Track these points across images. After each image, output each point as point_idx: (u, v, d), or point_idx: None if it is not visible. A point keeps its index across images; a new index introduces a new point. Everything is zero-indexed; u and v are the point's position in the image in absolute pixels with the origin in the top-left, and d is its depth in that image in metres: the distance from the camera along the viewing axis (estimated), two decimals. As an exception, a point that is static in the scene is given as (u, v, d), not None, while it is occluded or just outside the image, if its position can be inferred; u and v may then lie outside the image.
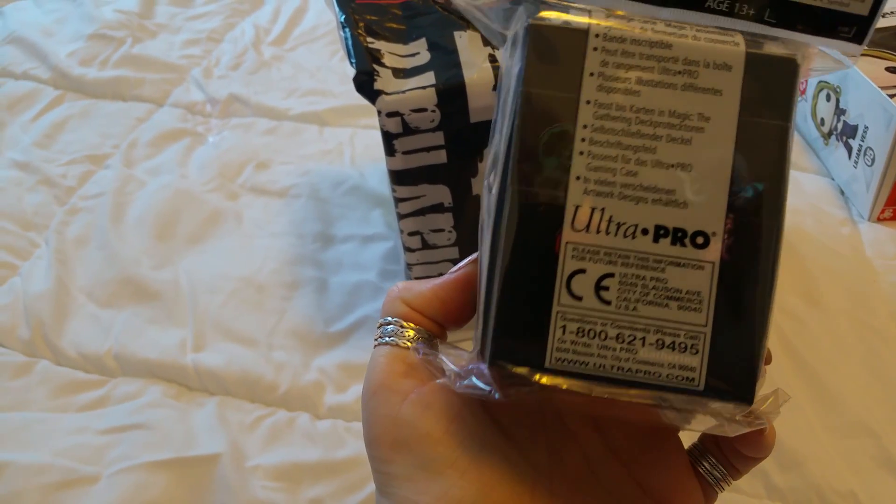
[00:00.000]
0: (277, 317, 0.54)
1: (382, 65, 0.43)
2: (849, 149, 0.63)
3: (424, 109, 0.42)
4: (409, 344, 0.27)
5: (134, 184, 0.68)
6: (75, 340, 0.53)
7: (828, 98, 0.65)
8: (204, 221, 0.63)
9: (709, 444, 0.29)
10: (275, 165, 0.68)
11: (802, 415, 0.47)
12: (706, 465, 0.29)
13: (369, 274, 0.57)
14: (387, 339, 0.27)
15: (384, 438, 0.25)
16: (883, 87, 0.58)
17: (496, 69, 0.42)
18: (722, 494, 0.41)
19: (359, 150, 0.71)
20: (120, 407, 0.49)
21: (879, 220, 0.61)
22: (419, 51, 0.44)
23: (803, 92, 0.70)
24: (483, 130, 0.42)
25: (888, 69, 0.61)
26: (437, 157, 0.44)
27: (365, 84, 0.42)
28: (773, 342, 0.50)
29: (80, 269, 0.59)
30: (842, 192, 0.65)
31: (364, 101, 0.42)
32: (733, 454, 0.28)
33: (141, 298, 0.56)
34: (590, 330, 0.24)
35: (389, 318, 0.28)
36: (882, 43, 0.64)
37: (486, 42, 0.44)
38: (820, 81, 0.66)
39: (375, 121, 0.43)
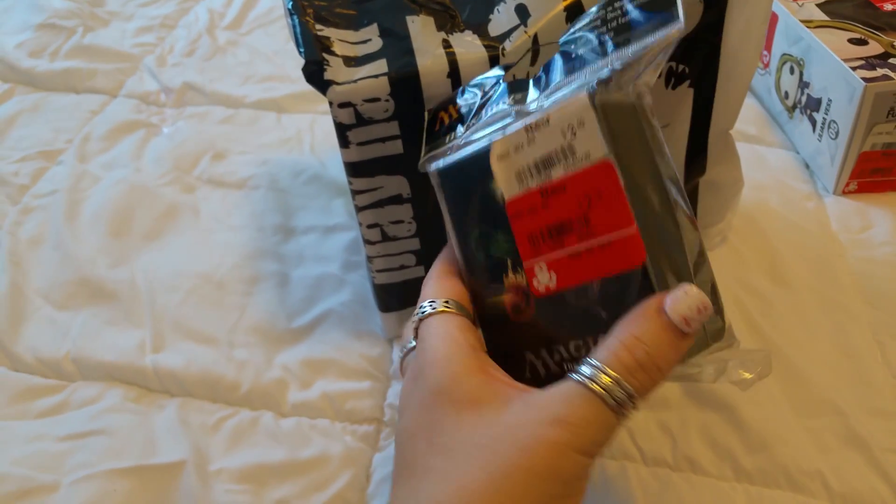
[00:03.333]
0: (238, 313, 0.53)
1: (332, 53, 0.42)
2: (813, 122, 0.63)
3: (378, 99, 0.40)
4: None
5: (88, 179, 0.65)
6: (32, 345, 0.52)
7: (791, 71, 0.65)
8: (160, 216, 0.61)
9: None
10: (232, 156, 0.67)
11: (769, 395, 0.46)
12: None
13: (332, 266, 0.56)
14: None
15: None
16: (846, 60, 0.58)
17: (451, 55, 0.41)
18: (691, 478, 0.43)
19: (319, 137, 0.69)
20: (79, 412, 0.47)
21: (844, 193, 0.61)
22: (370, 37, 0.43)
23: (766, 65, 0.70)
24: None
25: (851, 41, 0.60)
26: (393, 148, 0.43)
27: (314, 74, 0.40)
28: (739, 321, 0.50)
29: (35, 270, 0.57)
30: (807, 166, 0.65)
31: (323, 86, 0.41)
32: None
33: (98, 299, 0.55)
34: None
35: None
36: (845, 15, 0.64)
37: (439, 27, 0.43)
38: (784, 54, 0.66)
39: (332, 109, 0.41)
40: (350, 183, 0.44)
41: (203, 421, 0.46)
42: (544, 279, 0.31)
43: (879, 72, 0.56)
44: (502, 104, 0.34)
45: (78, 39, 0.83)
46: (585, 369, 0.27)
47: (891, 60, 0.57)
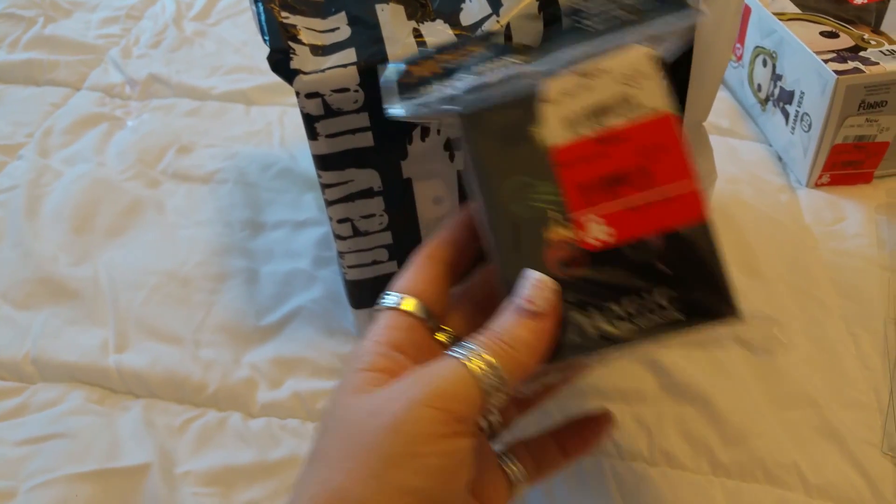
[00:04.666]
0: (204, 311, 0.51)
1: (299, 42, 0.40)
2: (786, 115, 0.63)
3: (347, 89, 0.39)
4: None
5: (49, 175, 0.64)
6: (-10, 346, 0.50)
7: (764, 63, 0.65)
8: (124, 212, 0.59)
9: (517, 451, 0.35)
10: (198, 149, 0.65)
11: (745, 388, 0.46)
12: (514, 468, 0.34)
13: (302, 262, 0.55)
14: None
15: None
16: (818, 52, 0.58)
17: (421, 45, 0.39)
18: (668, 472, 0.43)
19: (288, 129, 0.68)
20: (39, 415, 0.46)
21: (817, 185, 0.61)
22: (339, 25, 0.42)
23: (739, 58, 0.69)
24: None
25: (823, 34, 0.60)
26: (363, 140, 0.41)
27: (280, 63, 0.39)
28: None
29: (-7, 268, 0.55)
30: (779, 159, 0.65)
31: (293, 77, 0.39)
32: (565, 444, 0.35)
33: (59, 298, 0.53)
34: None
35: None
36: (817, 7, 0.64)
37: (409, 15, 0.42)
38: (756, 47, 0.66)
39: (304, 100, 0.40)
40: (319, 176, 0.43)
41: (169, 422, 0.45)
42: (599, 232, 0.30)
43: (850, 64, 0.56)
44: (505, 62, 0.33)
45: (38, 30, 0.81)
46: (461, 350, 0.28)
47: (861, 53, 0.58)
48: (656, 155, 0.29)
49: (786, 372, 0.47)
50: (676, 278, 0.29)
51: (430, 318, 0.32)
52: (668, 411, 0.45)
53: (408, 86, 0.34)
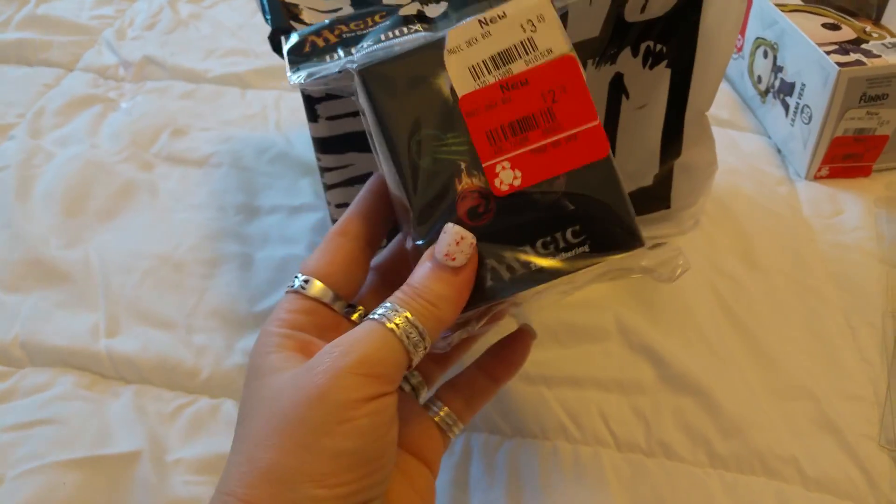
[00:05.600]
0: (197, 296, 0.50)
1: (301, 21, 0.40)
2: (786, 107, 0.62)
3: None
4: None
5: (41, 156, 0.63)
6: (-23, 329, 0.49)
7: (765, 55, 0.64)
8: (116, 195, 0.58)
9: (444, 395, 0.35)
10: (193, 132, 0.64)
11: (743, 379, 0.46)
12: (441, 414, 0.35)
13: (298, 247, 0.54)
14: None
15: None
16: (820, 44, 0.57)
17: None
18: (665, 464, 0.42)
19: (285, 114, 0.67)
20: (27, 401, 0.45)
21: (816, 178, 0.61)
22: (341, 6, 0.41)
23: (740, 49, 0.69)
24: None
25: (825, 26, 0.60)
26: (364, 124, 0.41)
27: (281, 43, 0.38)
28: (713, 306, 0.50)
29: (-19, 250, 0.54)
30: (779, 151, 0.64)
31: (289, 62, 0.39)
32: (491, 372, 0.36)
33: (49, 281, 0.52)
34: None
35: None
36: (819, -2, 0.63)
37: (411, -4, 0.41)
38: (757, 38, 0.65)
39: (300, 83, 0.39)
40: (318, 160, 0.42)
41: (160, 409, 0.44)
42: (507, 178, 0.31)
43: (853, 56, 0.56)
44: (405, 30, 0.33)
45: (31, 9, 0.80)
46: (379, 311, 0.28)
47: (863, 46, 0.57)
48: (559, 96, 0.30)
49: (784, 364, 0.47)
50: (581, 214, 0.30)
51: (338, 300, 0.32)
52: (666, 403, 0.45)
53: (304, 54, 0.33)
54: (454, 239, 0.29)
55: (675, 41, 0.44)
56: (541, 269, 0.30)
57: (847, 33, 0.59)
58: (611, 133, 0.48)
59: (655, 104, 0.47)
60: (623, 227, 0.31)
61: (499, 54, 0.31)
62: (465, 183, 0.30)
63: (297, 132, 0.64)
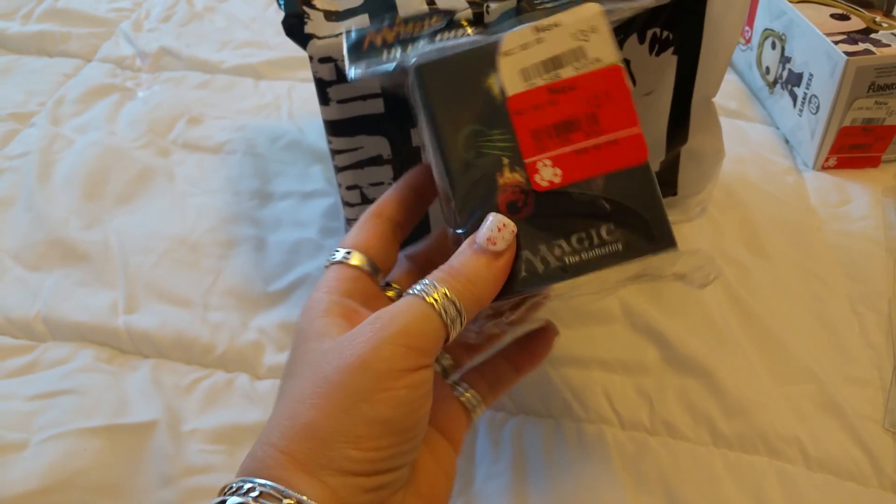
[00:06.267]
0: (213, 276, 0.52)
1: (313, 6, 0.41)
2: (794, 97, 0.63)
3: (359, 54, 0.39)
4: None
5: (61, 142, 0.64)
6: (2, 305, 0.50)
7: (773, 46, 0.65)
8: (134, 179, 0.60)
9: (469, 378, 0.37)
10: (208, 120, 0.66)
11: (748, 362, 0.47)
12: (468, 395, 0.36)
13: (309, 231, 0.55)
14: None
15: None
16: (828, 34, 0.58)
17: (434, 10, 0.40)
18: (669, 442, 0.43)
19: (297, 103, 0.68)
20: (49, 372, 0.46)
21: (824, 168, 0.61)
22: (354, -9, 0.42)
23: (748, 41, 0.69)
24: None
25: (833, 16, 0.60)
26: (374, 107, 0.42)
27: (294, 27, 0.40)
28: (719, 291, 0.50)
29: (5, 231, 0.56)
30: (786, 141, 0.65)
31: (302, 53, 0.40)
32: (515, 361, 0.37)
33: (70, 260, 0.53)
34: None
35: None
36: (827, -11, 0.64)
37: (423, -19, 0.42)
38: (766, 29, 0.66)
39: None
40: (329, 142, 0.43)
41: (176, 382, 0.46)
42: (548, 174, 0.32)
43: (861, 46, 0.56)
44: (458, 32, 0.35)
45: (51, 3, 0.82)
46: (419, 287, 0.30)
47: (872, 35, 0.58)
48: (603, 102, 0.32)
49: (789, 347, 0.47)
50: (617, 213, 0.31)
51: (376, 272, 0.34)
52: (670, 383, 0.45)
53: (364, 52, 0.35)
54: (497, 225, 0.31)
55: (682, 27, 0.45)
56: (573, 265, 0.31)
57: (856, 23, 0.59)
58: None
59: (662, 91, 0.48)
60: (656, 229, 0.32)
61: (550, 59, 0.32)
62: (507, 177, 0.32)
63: (308, 121, 0.66)
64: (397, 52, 0.35)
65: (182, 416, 0.43)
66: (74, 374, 0.45)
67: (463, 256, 0.31)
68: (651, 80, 0.47)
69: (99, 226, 0.56)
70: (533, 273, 0.32)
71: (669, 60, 0.46)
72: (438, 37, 0.35)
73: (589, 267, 0.31)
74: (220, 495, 0.27)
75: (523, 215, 0.32)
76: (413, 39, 0.35)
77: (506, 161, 0.32)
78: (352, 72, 0.34)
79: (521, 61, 0.33)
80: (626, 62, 0.45)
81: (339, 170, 0.45)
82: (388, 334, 0.28)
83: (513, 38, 0.33)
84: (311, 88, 0.63)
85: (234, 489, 0.27)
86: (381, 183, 0.45)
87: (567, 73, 0.32)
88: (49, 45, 0.77)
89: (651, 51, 0.45)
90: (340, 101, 0.41)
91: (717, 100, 0.50)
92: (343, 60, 0.39)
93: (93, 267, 0.52)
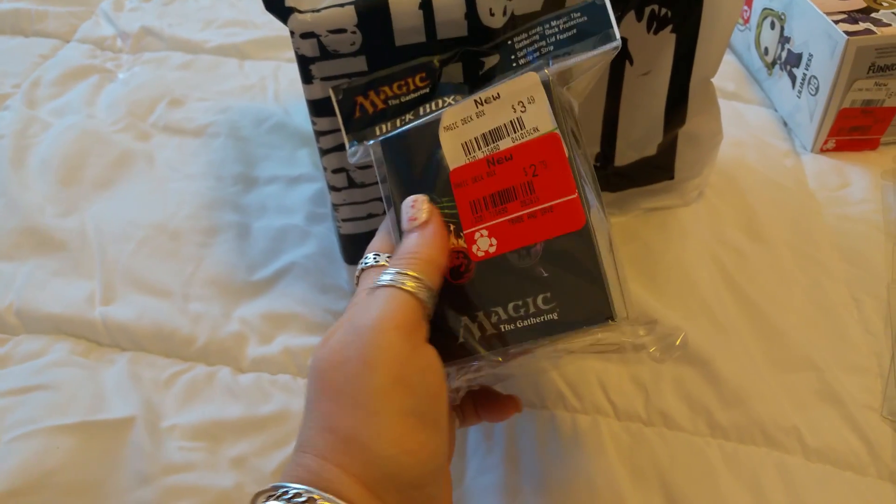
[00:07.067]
0: (194, 265, 0.50)
1: (295, -20, 0.39)
2: (793, 78, 0.61)
3: (343, 30, 0.38)
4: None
5: (37, 125, 0.62)
6: (-28, 296, 0.48)
7: (772, 26, 0.63)
8: (113, 164, 0.58)
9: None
10: (190, 102, 0.63)
11: (745, 350, 0.45)
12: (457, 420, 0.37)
13: (296, 217, 0.53)
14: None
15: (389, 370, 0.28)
16: (828, 13, 0.56)
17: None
18: (664, 433, 0.42)
19: (283, 84, 0.66)
20: (22, 367, 0.45)
21: (822, 151, 0.60)
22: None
23: (747, 21, 0.68)
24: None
25: (833, -6, 0.59)
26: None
27: (275, 1, 0.38)
28: (714, 276, 0.49)
29: (-23, 219, 0.54)
30: (785, 124, 0.63)
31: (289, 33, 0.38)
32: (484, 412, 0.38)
33: (45, 249, 0.51)
34: None
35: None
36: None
37: (409, -44, 0.40)
38: (765, 9, 0.64)
39: (300, 53, 0.38)
40: (314, 123, 0.42)
41: (155, 376, 0.44)
42: (484, 245, 0.33)
43: (862, 26, 0.55)
44: (444, 101, 0.36)
45: (26, -20, 0.79)
46: (387, 277, 0.31)
47: (873, 14, 0.56)
48: (540, 171, 0.32)
49: (787, 335, 0.46)
50: (554, 282, 0.31)
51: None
52: (666, 372, 0.44)
53: (356, 121, 0.37)
54: (409, 205, 0.33)
55: (680, 4, 0.43)
56: (509, 332, 0.32)
57: (856, 2, 0.58)
58: (614, 100, 0.47)
59: (660, 70, 0.46)
60: (594, 300, 0.31)
61: (490, 132, 0.33)
62: (453, 243, 0.33)
63: (295, 103, 0.64)
64: (386, 126, 0.36)
65: (161, 411, 0.42)
66: (48, 369, 0.44)
67: (404, 243, 0.32)
68: (649, 60, 0.45)
69: (75, 213, 0.54)
70: (469, 339, 0.32)
71: (668, 39, 0.44)
72: (421, 109, 0.36)
73: (523, 336, 0.31)
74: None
75: (465, 280, 0.33)
76: (401, 108, 0.37)
77: (452, 228, 0.33)
78: (351, 157, 0.37)
79: (462, 135, 0.34)
80: (624, 40, 0.43)
81: (323, 152, 0.43)
82: (377, 323, 0.29)
83: (454, 112, 0.34)
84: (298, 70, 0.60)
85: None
86: (369, 166, 0.43)
87: (505, 143, 0.33)
88: (24, 23, 0.74)
89: (649, 29, 0.44)
90: (325, 79, 0.40)
91: (715, 81, 0.48)
92: (326, 36, 0.37)
93: (69, 256, 0.51)
